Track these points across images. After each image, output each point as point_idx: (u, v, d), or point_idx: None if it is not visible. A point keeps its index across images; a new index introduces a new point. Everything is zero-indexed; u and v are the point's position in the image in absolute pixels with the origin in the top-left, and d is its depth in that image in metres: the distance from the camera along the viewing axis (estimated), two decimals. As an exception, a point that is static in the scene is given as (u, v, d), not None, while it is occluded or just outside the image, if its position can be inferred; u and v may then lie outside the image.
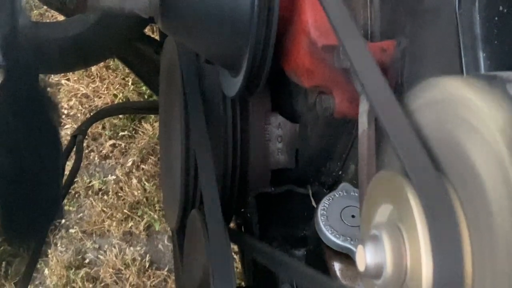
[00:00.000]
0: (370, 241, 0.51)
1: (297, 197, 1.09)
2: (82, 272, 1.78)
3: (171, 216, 1.14)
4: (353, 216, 0.85)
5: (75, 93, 2.10)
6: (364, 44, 0.66)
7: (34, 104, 1.06)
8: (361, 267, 0.51)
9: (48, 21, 2.14)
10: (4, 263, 1.71)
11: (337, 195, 0.89)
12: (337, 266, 0.83)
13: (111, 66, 2.12)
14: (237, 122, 1.06)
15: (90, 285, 1.76)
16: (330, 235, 0.83)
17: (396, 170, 0.53)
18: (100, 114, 1.47)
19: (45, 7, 1.96)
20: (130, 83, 2.10)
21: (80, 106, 2.10)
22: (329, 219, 0.85)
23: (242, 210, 1.11)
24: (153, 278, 1.79)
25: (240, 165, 1.06)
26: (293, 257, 0.96)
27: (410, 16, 0.85)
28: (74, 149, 1.34)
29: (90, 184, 1.97)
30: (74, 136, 1.34)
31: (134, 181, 1.96)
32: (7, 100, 1.01)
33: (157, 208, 1.90)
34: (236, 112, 1.06)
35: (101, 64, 2.10)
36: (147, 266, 1.82)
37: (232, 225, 1.22)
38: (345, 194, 0.89)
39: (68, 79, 2.11)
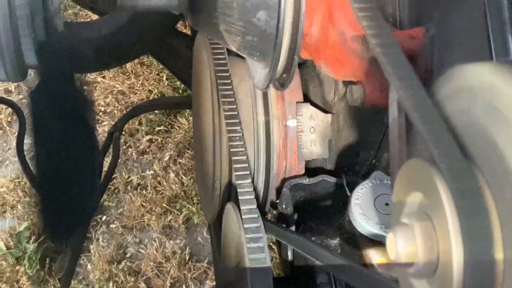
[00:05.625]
0: (401, 229, 0.51)
1: (331, 187, 1.09)
2: (124, 266, 1.82)
3: (207, 210, 1.15)
4: (386, 204, 0.86)
5: (111, 90, 2.13)
6: (390, 34, 0.67)
7: (69, 104, 1.08)
8: (392, 255, 0.52)
9: (82, 20, 2.18)
10: (48, 259, 1.76)
11: (370, 184, 0.89)
12: (372, 254, 0.84)
13: (146, 62, 2.15)
14: (269, 114, 1.06)
15: (132, 279, 1.79)
16: (365, 224, 0.84)
17: (426, 158, 0.54)
18: (135, 111, 1.49)
19: (78, 6, 1.99)
20: (164, 79, 2.12)
21: (116, 103, 2.13)
22: (362, 207, 0.85)
23: (277, 201, 1.12)
24: (193, 270, 1.82)
25: (274, 157, 1.07)
26: (328, 247, 0.97)
27: (437, 3, 0.84)
28: (112, 146, 1.37)
29: (129, 180, 2.00)
30: (111, 134, 1.37)
31: (172, 175, 1.98)
32: (43, 101, 1.04)
33: (195, 201, 1.92)
34: (268, 104, 1.07)
35: (136, 60, 2.13)
36: (187, 259, 1.84)
37: (269, 216, 1.23)
38: (378, 182, 0.90)
39: (103, 77, 2.15)
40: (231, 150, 1.01)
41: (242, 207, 0.94)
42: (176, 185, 1.96)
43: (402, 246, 0.51)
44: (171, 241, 1.88)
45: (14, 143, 1.97)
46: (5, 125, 2.06)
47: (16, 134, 1.46)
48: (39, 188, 1.23)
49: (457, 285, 0.47)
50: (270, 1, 0.86)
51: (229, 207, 0.98)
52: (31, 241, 1.82)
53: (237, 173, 0.98)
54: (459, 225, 0.47)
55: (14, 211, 1.90)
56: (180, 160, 2.02)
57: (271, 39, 0.90)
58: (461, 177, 0.48)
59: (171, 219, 1.92)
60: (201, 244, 1.87)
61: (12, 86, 2.06)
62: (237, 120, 1.03)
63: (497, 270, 0.47)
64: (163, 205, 1.94)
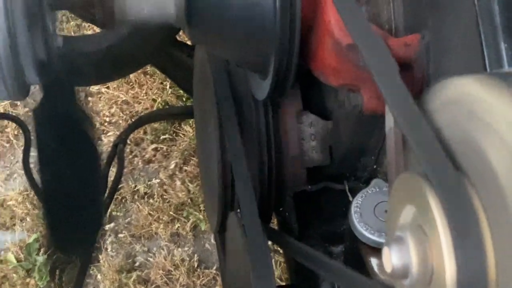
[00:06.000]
0: (395, 242, 0.52)
1: (334, 193, 1.10)
2: (133, 275, 1.83)
3: (212, 219, 1.16)
4: (386, 211, 0.86)
5: (115, 100, 2.15)
6: (381, 44, 0.67)
7: (71, 118, 1.10)
8: (388, 268, 0.52)
9: (85, 31, 2.19)
10: (58, 270, 1.77)
11: (369, 192, 0.90)
12: (374, 261, 0.84)
13: (149, 72, 2.16)
14: (269, 124, 1.07)
15: (142, 286, 1.81)
16: (365, 232, 0.85)
17: (419, 170, 0.54)
18: (139, 122, 1.51)
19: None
20: (168, 87, 2.14)
21: (121, 113, 2.14)
22: (363, 215, 0.86)
23: (281, 209, 1.13)
24: (202, 277, 1.83)
25: (276, 165, 1.08)
26: (331, 254, 0.98)
27: (431, 10, 0.85)
28: (117, 157, 1.38)
29: (135, 189, 2.01)
30: (115, 145, 1.38)
31: (178, 183, 2.00)
32: (46, 116, 1.06)
33: (201, 208, 1.93)
34: (268, 114, 1.08)
35: (139, 70, 2.14)
36: (196, 266, 1.85)
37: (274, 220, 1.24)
38: (377, 189, 0.90)
39: (107, 87, 2.16)
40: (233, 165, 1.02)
41: (244, 217, 0.95)
42: (183, 193, 1.98)
43: (396, 259, 0.52)
44: (179, 249, 1.89)
45: (21, 156, 1.99)
46: (12, 138, 2.08)
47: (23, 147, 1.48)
48: (45, 201, 1.24)
49: (450, 294, 0.48)
50: (267, 17, 0.87)
51: (232, 216, 0.99)
52: (40, 253, 1.84)
53: (239, 184, 0.99)
54: (451, 240, 0.48)
55: (23, 224, 1.92)
56: (186, 168, 2.03)
57: (269, 52, 0.91)
58: (452, 191, 0.49)
59: (178, 226, 1.93)
60: (209, 250, 1.88)
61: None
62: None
63: (490, 284, 0.48)
64: (170, 213, 1.95)
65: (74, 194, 1.02)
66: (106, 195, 1.35)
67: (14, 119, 1.37)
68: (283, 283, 1.59)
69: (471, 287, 0.48)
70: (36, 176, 1.36)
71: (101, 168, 1.18)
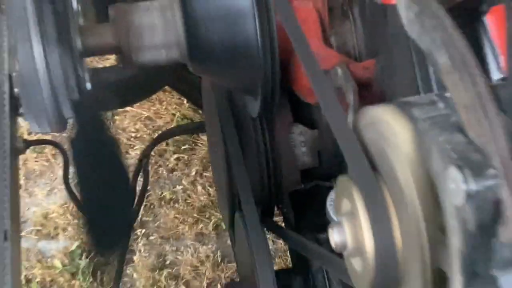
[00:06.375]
0: (336, 225, 0.73)
1: (324, 190, 1.31)
2: (164, 272, 2.06)
3: (225, 218, 1.39)
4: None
5: (139, 117, 2.38)
6: (319, 70, 0.87)
7: (102, 143, 1.33)
8: (332, 244, 0.74)
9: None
10: (99, 272, 2.01)
11: (343, 188, 1.11)
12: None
13: (167, 89, 2.39)
14: (266, 135, 1.29)
15: (173, 283, 2.03)
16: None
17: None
18: (159, 139, 1.74)
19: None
20: (185, 102, 2.36)
21: (145, 128, 2.37)
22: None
23: (280, 206, 1.35)
24: (226, 270, 2.05)
25: (273, 170, 1.30)
26: (320, 241, 1.19)
27: (382, 41, 1.06)
28: (142, 170, 1.61)
29: (162, 196, 2.24)
30: (140, 160, 1.61)
31: (199, 188, 2.22)
32: (82, 144, 1.30)
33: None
34: (264, 127, 1.29)
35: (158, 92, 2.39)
36: (219, 261, 2.07)
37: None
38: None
39: (132, 106, 2.40)
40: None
41: (246, 215, 1.17)
42: (204, 196, 2.20)
43: (337, 237, 0.73)
44: (204, 246, 2.11)
45: (59, 172, 2.23)
46: (50, 157, 2.32)
47: (60, 164, 1.72)
48: (84, 211, 1.47)
49: (372, 262, 0.69)
50: (253, 54, 1.09)
51: (237, 215, 1.21)
52: (83, 258, 2.08)
53: (241, 189, 1.21)
54: (369, 222, 0.69)
55: (66, 233, 2.16)
56: (206, 174, 2.25)
57: (256, 78, 1.12)
58: (370, 187, 0.70)
59: (202, 227, 2.15)
60: (231, 246, 2.10)
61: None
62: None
63: (398, 251, 0.69)
64: (194, 215, 2.17)
65: (108, 205, 1.25)
66: (135, 203, 1.57)
67: (52, 143, 1.60)
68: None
69: (385, 253, 0.69)
70: (75, 190, 1.59)
71: (129, 181, 1.41)
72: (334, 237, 0.74)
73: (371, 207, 0.70)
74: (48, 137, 1.58)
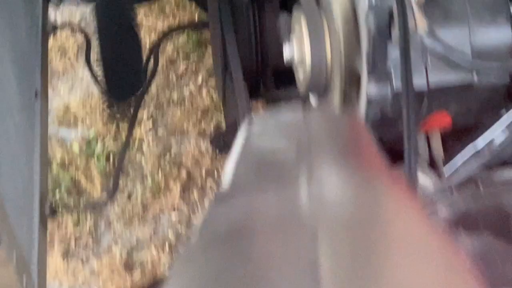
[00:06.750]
0: (287, 43, 1.01)
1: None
2: (169, 159, 2.35)
3: (218, 88, 1.66)
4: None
5: (154, 28, 2.65)
6: None
7: (122, 20, 1.62)
8: (285, 58, 1.01)
9: None
10: (111, 154, 2.31)
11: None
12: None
13: (180, 5, 2.65)
14: (256, 18, 1.55)
15: (176, 168, 2.33)
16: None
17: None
18: (169, 31, 2.01)
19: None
20: (196, 19, 2.62)
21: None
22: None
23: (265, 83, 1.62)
24: (222, 161, 2.34)
25: (261, 48, 1.56)
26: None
27: None
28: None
29: (170, 97, 2.52)
30: (150, 49, 1.89)
31: (204, 92, 2.50)
32: (105, 19, 1.58)
33: (222, 111, 2.43)
34: (255, 12, 1.56)
35: (173, 4, 2.65)
36: (217, 154, 2.36)
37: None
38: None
39: (148, 18, 2.66)
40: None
41: (234, 80, 1.45)
42: (208, 100, 2.48)
43: (287, 52, 1.00)
44: (205, 142, 2.40)
45: (79, 72, 2.52)
46: (72, 57, 2.61)
47: (82, 60, 1.99)
48: (104, 65, 1.73)
49: (309, 68, 0.97)
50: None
51: (227, 79, 1.49)
52: (98, 144, 2.37)
53: (232, 62, 1.48)
54: (309, 40, 0.96)
55: (83, 124, 2.46)
56: (211, 82, 2.53)
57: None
58: (312, 14, 0.97)
59: (204, 125, 2.44)
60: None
61: (77, 18, 2.59)
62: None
63: (327, 61, 0.96)
64: (198, 115, 2.46)
65: (125, 60, 1.53)
66: (147, 80, 1.84)
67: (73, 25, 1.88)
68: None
69: (318, 62, 0.96)
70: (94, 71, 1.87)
71: (141, 47, 1.71)
72: (286, 51, 1.01)
73: (312, 29, 0.97)
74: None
